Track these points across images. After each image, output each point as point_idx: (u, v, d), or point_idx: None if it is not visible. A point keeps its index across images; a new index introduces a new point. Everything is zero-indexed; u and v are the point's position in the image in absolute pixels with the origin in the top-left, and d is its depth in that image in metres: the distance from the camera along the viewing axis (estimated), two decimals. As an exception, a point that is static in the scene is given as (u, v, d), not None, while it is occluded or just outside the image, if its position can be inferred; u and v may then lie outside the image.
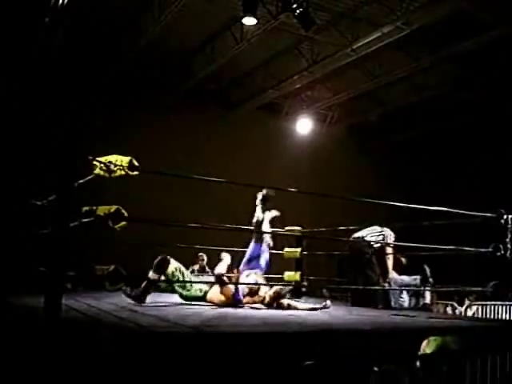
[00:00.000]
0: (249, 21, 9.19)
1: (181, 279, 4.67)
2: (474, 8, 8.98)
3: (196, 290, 4.75)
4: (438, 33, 9.96)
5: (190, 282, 4.75)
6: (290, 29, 9.98)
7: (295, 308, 5.00)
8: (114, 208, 3.68)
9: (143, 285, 4.62)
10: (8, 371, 3.03)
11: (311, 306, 5.14)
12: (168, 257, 4.72)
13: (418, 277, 6.27)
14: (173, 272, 4.66)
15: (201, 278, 5.17)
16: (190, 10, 9.46)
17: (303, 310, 4.97)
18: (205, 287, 4.81)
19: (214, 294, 4.78)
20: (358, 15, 9.63)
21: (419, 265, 6.40)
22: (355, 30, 9.77)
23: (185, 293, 4.68)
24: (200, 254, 9.29)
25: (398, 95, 12.97)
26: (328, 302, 5.09)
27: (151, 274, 4.64)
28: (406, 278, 6.33)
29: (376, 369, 3.18)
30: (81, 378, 2.65)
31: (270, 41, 10.71)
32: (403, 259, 6.58)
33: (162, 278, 4.60)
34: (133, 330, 3.43)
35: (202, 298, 4.76)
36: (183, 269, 4.77)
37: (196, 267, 9.31)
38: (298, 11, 8.64)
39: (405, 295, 6.26)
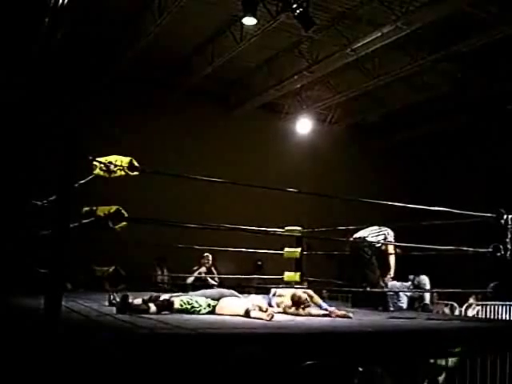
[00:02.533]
0: (249, 21, 9.17)
1: (189, 308, 4.67)
2: (474, 8, 8.97)
3: (205, 307, 4.74)
4: (438, 33, 9.94)
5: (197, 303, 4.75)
6: (289, 29, 9.97)
7: (314, 315, 5.00)
8: (114, 208, 3.68)
9: (139, 306, 4.52)
10: (8, 372, 3.03)
11: (324, 312, 5.11)
12: (171, 298, 4.69)
13: (409, 284, 6.45)
14: (180, 308, 4.65)
15: (204, 292, 5.10)
16: (190, 10, 9.45)
17: (317, 316, 4.96)
18: (211, 301, 4.79)
19: (223, 307, 4.77)
20: (357, 15, 9.61)
21: (417, 271, 6.52)
22: (355, 30, 9.75)
23: (196, 314, 4.65)
24: (206, 254, 9.20)
25: (398, 95, 12.94)
26: (351, 314, 5.05)
27: (152, 307, 4.54)
28: (397, 284, 6.47)
29: (361, 369, 3.19)
30: (81, 379, 2.64)
31: (270, 41, 10.69)
32: (398, 250, 6.70)
33: (153, 309, 4.53)
34: (133, 331, 3.43)
35: (212, 312, 4.75)
36: (187, 298, 4.76)
37: (203, 270, 9.23)
38: (298, 11, 8.62)
39: (403, 298, 6.34)
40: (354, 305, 6.45)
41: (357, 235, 6.72)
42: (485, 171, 14.12)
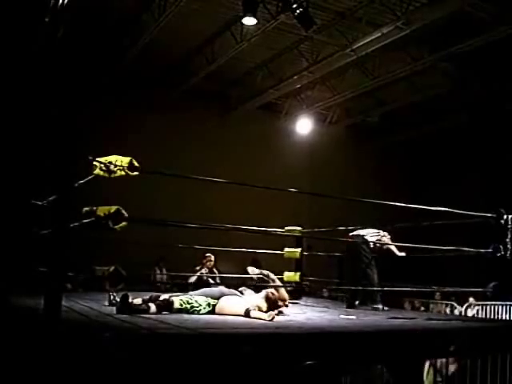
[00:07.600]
0: (249, 21, 9.18)
1: (189, 307, 4.67)
2: (474, 8, 8.97)
3: (205, 307, 4.74)
4: (438, 33, 9.94)
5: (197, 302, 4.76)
6: (289, 29, 9.97)
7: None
8: (114, 208, 3.67)
9: (139, 306, 4.53)
10: (8, 372, 3.03)
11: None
12: (171, 298, 4.69)
13: None
14: (180, 307, 4.65)
15: (204, 291, 5.10)
16: (190, 10, 9.46)
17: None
18: (211, 301, 4.79)
19: (223, 307, 4.76)
20: (358, 15, 9.62)
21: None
22: (355, 30, 9.76)
23: (196, 314, 4.64)
24: (208, 254, 9.19)
25: (398, 95, 12.95)
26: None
27: (152, 306, 4.55)
28: None
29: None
30: (81, 379, 2.64)
31: (270, 41, 10.70)
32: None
33: (153, 309, 4.54)
34: (133, 331, 3.43)
35: (212, 311, 4.75)
36: (186, 298, 4.76)
37: (204, 270, 9.22)
38: (298, 11, 8.63)
39: None
40: (349, 306, 6.38)
41: (354, 233, 6.70)
42: (485, 171, 14.12)
